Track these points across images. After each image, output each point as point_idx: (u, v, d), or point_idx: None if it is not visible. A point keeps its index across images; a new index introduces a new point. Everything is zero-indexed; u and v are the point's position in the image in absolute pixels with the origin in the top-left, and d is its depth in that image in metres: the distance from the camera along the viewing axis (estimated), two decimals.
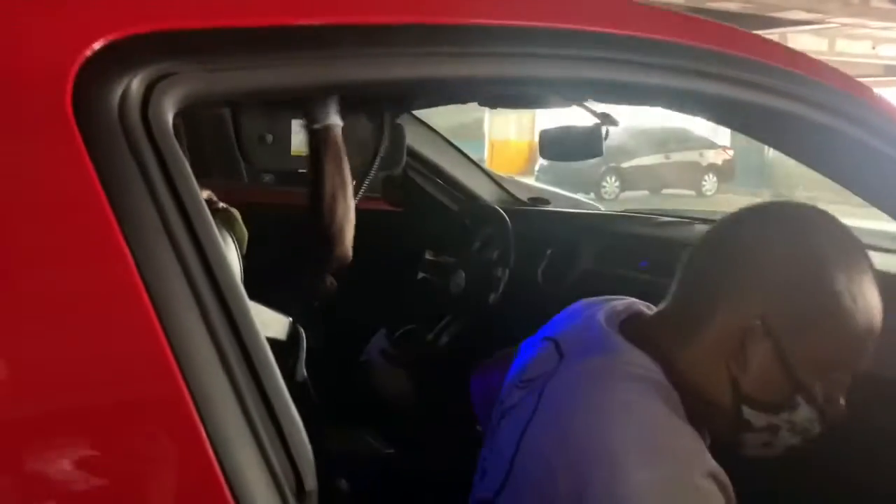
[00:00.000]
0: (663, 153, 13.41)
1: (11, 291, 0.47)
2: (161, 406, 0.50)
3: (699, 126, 14.57)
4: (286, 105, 1.72)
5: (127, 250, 0.50)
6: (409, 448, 1.53)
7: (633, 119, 14.00)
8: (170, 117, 0.54)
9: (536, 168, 13.04)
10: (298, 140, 1.77)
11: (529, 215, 2.06)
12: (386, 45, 0.62)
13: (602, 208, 2.85)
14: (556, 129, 1.62)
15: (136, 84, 0.51)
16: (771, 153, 13.46)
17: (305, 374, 0.89)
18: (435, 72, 0.66)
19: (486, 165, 2.86)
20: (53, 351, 0.48)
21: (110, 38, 0.50)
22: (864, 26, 9.02)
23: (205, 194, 1.57)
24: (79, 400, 0.48)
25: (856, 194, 1.07)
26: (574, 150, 1.58)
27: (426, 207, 2.10)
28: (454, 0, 0.69)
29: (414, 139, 2.05)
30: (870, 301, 0.78)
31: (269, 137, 1.72)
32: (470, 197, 2.05)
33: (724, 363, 0.78)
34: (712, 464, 0.73)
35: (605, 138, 1.56)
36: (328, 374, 1.67)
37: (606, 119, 1.55)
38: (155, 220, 0.51)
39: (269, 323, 0.86)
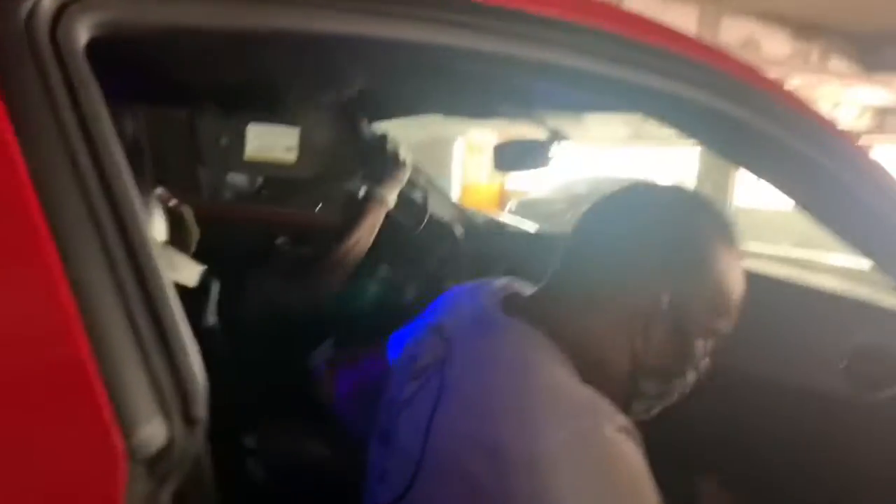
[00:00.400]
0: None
1: None
2: (47, 324, 0.48)
3: (667, 177, 14.86)
4: (244, 110, 1.74)
5: (27, 173, 0.49)
6: (344, 451, 1.50)
7: (599, 169, 14.26)
8: (82, 41, 0.53)
9: (506, 211, 13.15)
10: (254, 146, 1.78)
11: (484, 235, 2.07)
12: None
13: None
14: (507, 141, 1.65)
15: (47, 3, 0.51)
16: (734, 207, 13.75)
17: (215, 320, 0.88)
18: (364, 30, 0.67)
19: None
20: None
21: None
22: (825, 85, 9.33)
23: (158, 190, 1.57)
24: None
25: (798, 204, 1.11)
26: (523, 161, 1.60)
27: (384, 224, 2.11)
28: None
29: None
30: (739, 273, 0.83)
31: (225, 140, 1.73)
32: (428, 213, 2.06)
33: (625, 339, 0.80)
34: (621, 417, 0.74)
35: (554, 154, 1.59)
36: (274, 379, 1.65)
37: (556, 134, 1.59)
38: (58, 142, 0.51)
39: (179, 266, 0.84)
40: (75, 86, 0.52)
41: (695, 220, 0.83)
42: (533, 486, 0.69)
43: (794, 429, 1.21)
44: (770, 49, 7.66)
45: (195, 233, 1.60)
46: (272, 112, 1.70)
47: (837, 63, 8.33)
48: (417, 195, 1.85)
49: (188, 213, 1.58)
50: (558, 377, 0.76)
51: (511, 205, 13.56)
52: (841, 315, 1.30)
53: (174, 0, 0.57)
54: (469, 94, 1.44)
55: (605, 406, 0.74)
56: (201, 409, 0.50)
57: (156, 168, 2.52)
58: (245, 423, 1.21)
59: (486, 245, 1.99)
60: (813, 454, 1.18)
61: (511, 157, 1.65)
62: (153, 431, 0.48)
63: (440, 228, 1.98)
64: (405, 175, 1.63)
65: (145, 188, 1.21)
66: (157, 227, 0.93)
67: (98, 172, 0.52)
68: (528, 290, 0.92)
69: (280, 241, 2.31)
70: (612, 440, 0.71)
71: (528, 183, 15.03)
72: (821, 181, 0.99)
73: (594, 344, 0.81)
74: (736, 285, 0.82)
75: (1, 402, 0.46)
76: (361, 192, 1.65)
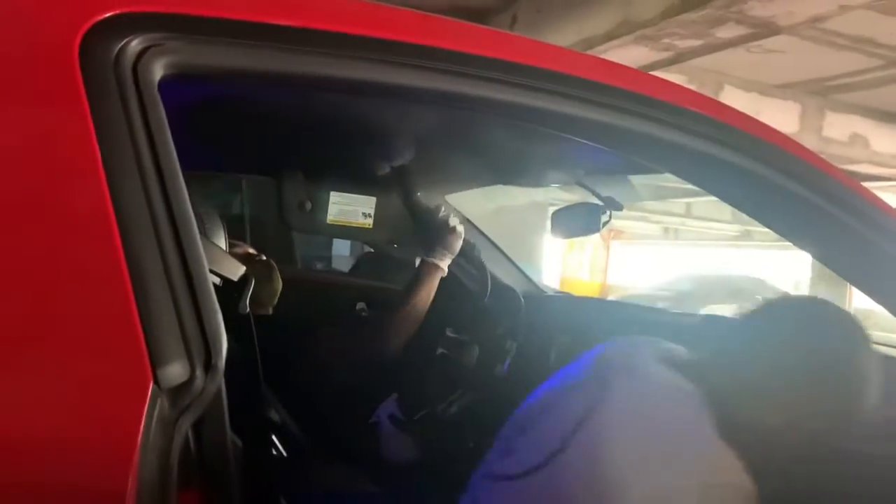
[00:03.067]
0: (736, 302, 13.17)
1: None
2: (108, 285, 0.62)
3: (779, 278, 14.36)
4: (327, 177, 1.93)
5: (104, 174, 0.64)
6: (396, 491, 1.58)
7: (705, 267, 13.94)
8: (156, 77, 0.70)
9: None
10: (336, 210, 1.97)
11: (549, 302, 2.15)
12: (341, 48, 0.78)
13: None
14: (562, 208, 1.75)
15: (132, 46, 0.68)
16: (850, 305, 13.02)
17: (248, 308, 1.00)
18: (377, 76, 0.80)
19: None
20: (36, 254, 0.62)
21: (117, 11, 0.68)
22: None
23: (250, 248, 1.76)
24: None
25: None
26: (575, 227, 1.69)
27: (452, 289, 2.23)
28: (398, 21, 0.84)
29: None
30: None
31: (309, 205, 1.92)
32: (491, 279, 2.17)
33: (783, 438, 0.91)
34: (748, 481, 0.83)
35: (609, 221, 1.68)
36: (337, 431, 1.76)
37: (610, 202, 1.67)
38: (129, 149, 0.66)
39: (223, 263, 0.97)
40: (148, 110, 0.68)
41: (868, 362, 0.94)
42: None
43: None
44: (879, 145, 7.44)
45: (279, 284, 1.78)
46: (351, 180, 1.89)
47: None
48: (475, 267, 1.96)
49: (275, 266, 1.77)
50: (702, 432, 0.86)
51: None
52: None
53: (232, 46, 0.73)
54: (522, 162, 1.57)
55: (736, 469, 0.83)
56: (220, 360, 0.63)
57: (254, 234, 2.79)
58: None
59: (551, 311, 2.07)
60: None
61: (564, 222, 1.74)
62: (176, 369, 0.60)
63: (499, 289, 2.07)
64: (458, 244, 1.75)
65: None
66: (232, 267, 1.08)
67: (158, 175, 0.67)
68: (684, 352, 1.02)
69: (359, 306, 2.47)
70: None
71: (631, 279, 14.85)
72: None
73: (750, 427, 0.90)
74: None
75: (68, 328, 0.60)
76: (417, 261, 1.78)
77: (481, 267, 1.92)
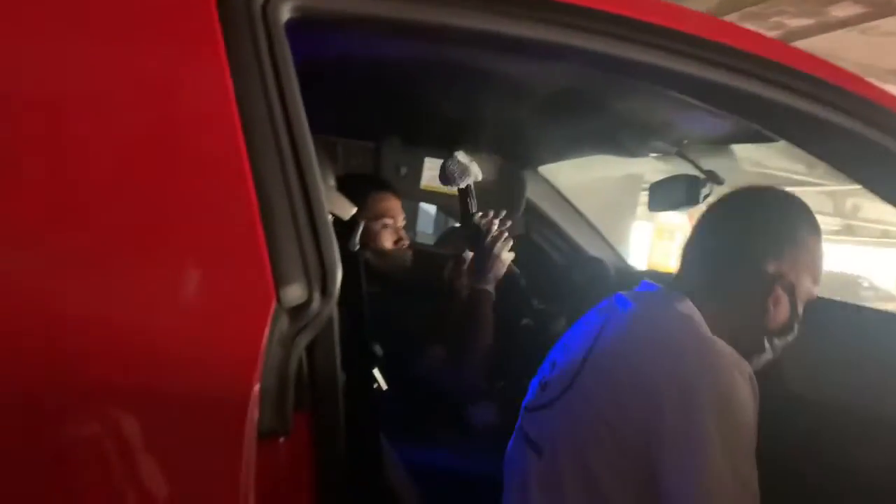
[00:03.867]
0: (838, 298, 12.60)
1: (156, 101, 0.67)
2: (240, 214, 0.67)
3: (882, 275, 13.67)
4: (422, 145, 1.96)
5: (237, 112, 0.68)
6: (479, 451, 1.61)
7: None
8: (283, 17, 0.73)
9: None
10: (428, 176, 2.00)
11: (638, 276, 2.13)
12: None
13: None
14: (661, 180, 1.72)
15: None
16: None
17: (358, 245, 1.05)
18: (506, 28, 0.81)
19: None
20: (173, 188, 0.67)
21: None
22: None
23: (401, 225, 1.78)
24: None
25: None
26: (675, 200, 1.66)
27: (541, 263, 2.23)
28: None
29: (537, 197, 2.22)
30: (822, 249, 1.10)
31: (404, 169, 1.96)
32: (579, 253, 2.17)
33: (755, 311, 1.05)
34: (747, 366, 0.96)
35: (710, 194, 1.64)
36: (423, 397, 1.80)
37: (712, 176, 1.64)
38: (259, 87, 0.70)
39: (335, 202, 1.01)
40: (276, 51, 0.72)
41: (794, 215, 1.08)
42: (671, 398, 0.92)
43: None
44: None
45: (393, 272, 1.81)
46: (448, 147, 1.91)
47: None
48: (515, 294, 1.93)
49: (405, 262, 1.80)
50: (702, 329, 1.00)
51: None
52: None
53: None
54: (624, 130, 1.56)
55: (736, 355, 0.96)
56: (335, 286, 0.66)
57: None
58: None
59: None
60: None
61: (663, 194, 1.71)
62: (297, 290, 0.64)
63: (587, 261, 2.07)
64: (503, 270, 1.70)
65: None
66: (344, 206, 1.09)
67: (285, 112, 0.70)
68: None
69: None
70: (738, 381, 0.93)
71: None
72: None
73: (727, 317, 1.04)
74: (822, 259, 1.08)
75: (204, 251, 0.64)
76: (465, 292, 1.75)
77: (520, 295, 1.91)
